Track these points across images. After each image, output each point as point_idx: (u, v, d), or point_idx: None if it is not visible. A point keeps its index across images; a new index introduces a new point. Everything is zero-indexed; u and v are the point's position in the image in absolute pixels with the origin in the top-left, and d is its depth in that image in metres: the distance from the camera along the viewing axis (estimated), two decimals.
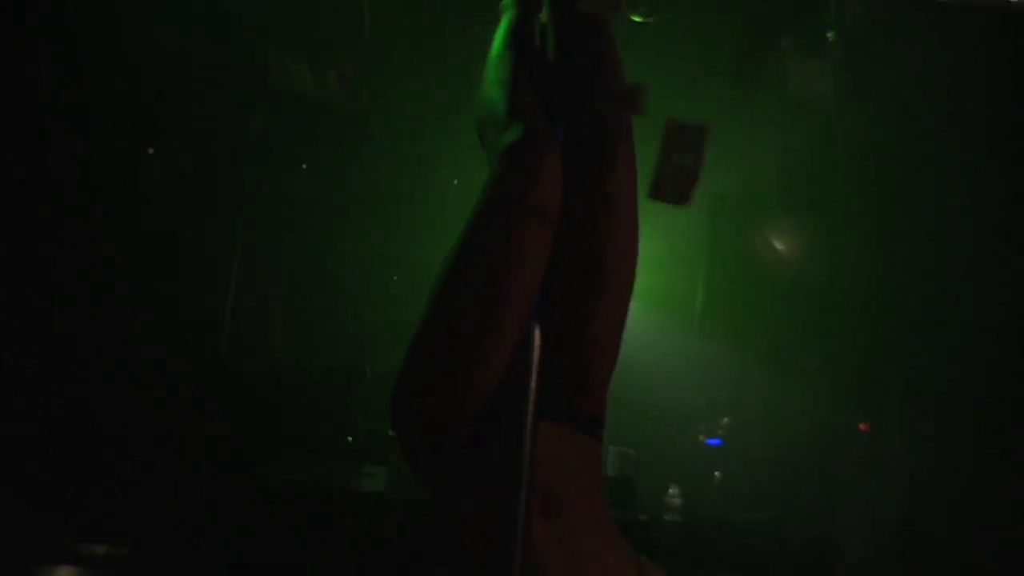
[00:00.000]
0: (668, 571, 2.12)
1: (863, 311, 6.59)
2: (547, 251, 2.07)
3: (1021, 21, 5.52)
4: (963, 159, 6.22)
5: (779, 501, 6.16)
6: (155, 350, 4.96)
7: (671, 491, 5.47)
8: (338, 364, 5.32)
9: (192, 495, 4.24)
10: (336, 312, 6.14)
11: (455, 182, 6.15)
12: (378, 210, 6.36)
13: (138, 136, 5.67)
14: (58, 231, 5.03)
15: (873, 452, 6.43)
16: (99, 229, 5.21)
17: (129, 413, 4.53)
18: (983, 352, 6.02)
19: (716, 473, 6.29)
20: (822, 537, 5.67)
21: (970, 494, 5.76)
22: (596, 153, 2.20)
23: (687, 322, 6.78)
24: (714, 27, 6.21)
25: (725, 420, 6.68)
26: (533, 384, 1.94)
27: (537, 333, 2.00)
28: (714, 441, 6.67)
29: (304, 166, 6.13)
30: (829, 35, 6.01)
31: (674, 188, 2.03)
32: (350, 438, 4.95)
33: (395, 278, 6.19)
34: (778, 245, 6.79)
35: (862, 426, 6.55)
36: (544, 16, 2.37)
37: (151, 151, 5.68)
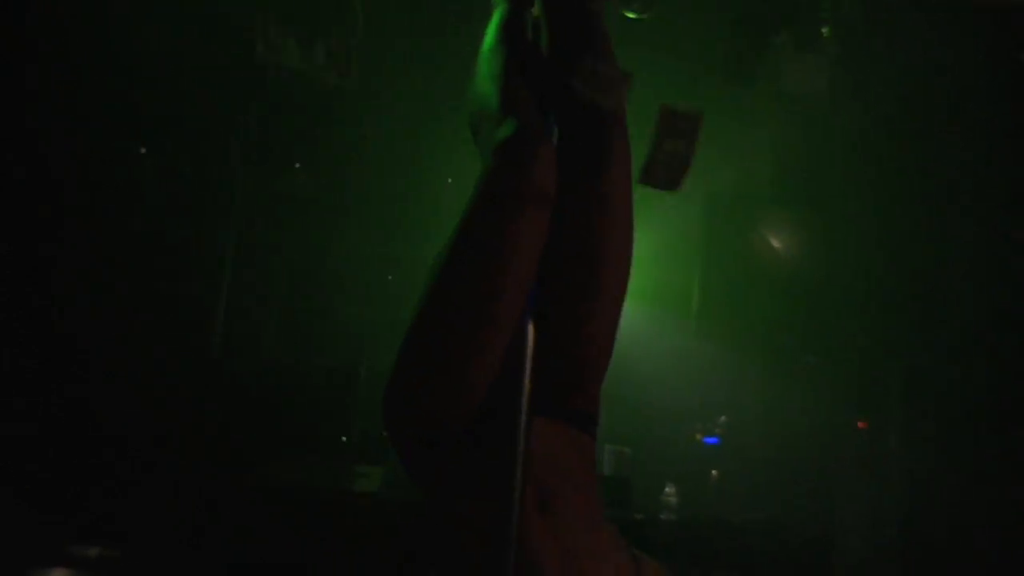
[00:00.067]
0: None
1: (861, 309, 6.58)
2: (541, 244, 2.05)
3: (1017, 15, 5.51)
4: (961, 156, 6.21)
5: (777, 500, 6.15)
6: (151, 350, 4.95)
7: (667, 490, 5.46)
8: (334, 364, 5.31)
9: (187, 495, 4.22)
10: (332, 312, 6.13)
11: (450, 181, 6.14)
12: (374, 210, 6.34)
13: (132, 136, 5.66)
14: (54, 231, 5.02)
15: (872, 451, 6.42)
16: (95, 229, 5.20)
17: (125, 413, 4.53)
18: (982, 350, 6.00)
19: (713, 472, 6.28)
20: (820, 537, 5.66)
21: (969, 493, 5.75)
22: (591, 151, 2.18)
23: (683, 320, 6.77)
24: (708, 23, 6.19)
25: (723, 419, 6.67)
26: (527, 380, 1.93)
27: (531, 328, 1.98)
28: (712, 440, 6.66)
29: (298, 165, 6.11)
30: (824, 31, 5.99)
31: (666, 175, 2.09)
32: (345, 438, 4.93)
33: (391, 277, 6.18)
34: (774, 243, 6.78)
35: (860, 424, 6.54)
36: (536, 10, 2.35)
37: (144, 151, 5.66)
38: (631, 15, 5.43)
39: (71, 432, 4.40)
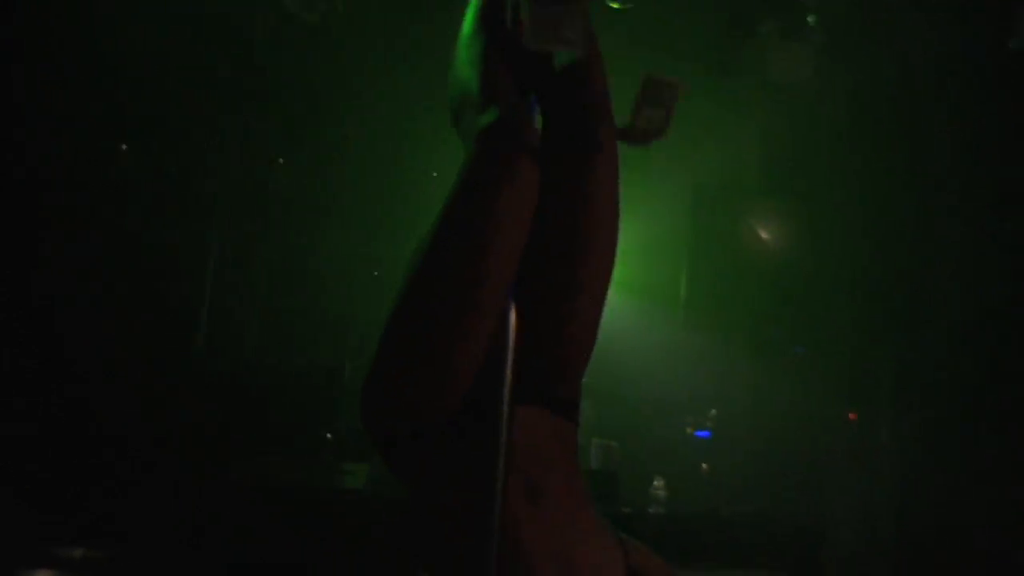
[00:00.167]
0: None
1: (850, 300, 6.58)
2: (526, 230, 2.00)
3: (1005, 2, 5.50)
4: (950, 145, 6.20)
5: (766, 493, 6.14)
6: (134, 349, 4.94)
7: (655, 483, 5.44)
8: (318, 362, 5.29)
9: (171, 494, 4.20)
10: (316, 310, 6.12)
11: (435, 175, 6.12)
12: (358, 207, 6.34)
13: (115, 134, 5.64)
14: (36, 230, 5.00)
15: (863, 443, 6.41)
16: (77, 227, 5.19)
17: (108, 412, 4.51)
18: (971, 341, 6.00)
19: (703, 465, 6.26)
20: (811, 529, 5.64)
21: (961, 484, 5.75)
22: (577, 147, 2.12)
23: (671, 312, 6.75)
24: (692, 13, 6.17)
25: (713, 412, 6.66)
26: (509, 370, 1.89)
27: (513, 317, 1.94)
28: (703, 433, 6.65)
29: (281, 160, 6.08)
30: (810, 19, 5.97)
31: (643, 138, 2.12)
32: (329, 435, 4.91)
33: (376, 274, 6.16)
34: (762, 233, 6.76)
35: (851, 416, 6.53)
36: None
37: (125, 147, 5.63)
38: (615, 5, 5.39)
39: (52, 431, 4.37)
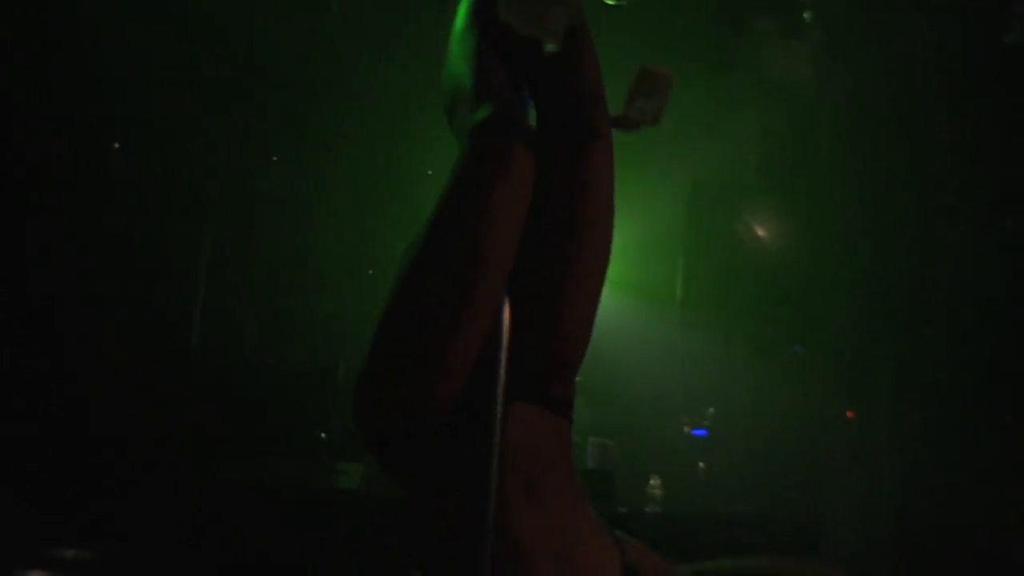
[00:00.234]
0: None
1: (848, 298, 6.55)
2: (520, 227, 2.01)
3: None
4: (949, 142, 6.18)
5: (765, 492, 6.12)
6: (128, 349, 4.93)
7: (652, 482, 5.42)
8: (313, 361, 5.27)
9: (164, 494, 4.18)
10: (311, 309, 6.10)
11: (430, 173, 6.10)
12: (352, 205, 6.32)
13: (107, 132, 5.63)
14: (29, 229, 4.98)
15: (862, 442, 6.40)
16: (69, 227, 5.18)
17: (102, 411, 4.49)
18: (971, 339, 5.99)
19: (700, 464, 6.24)
20: (810, 529, 5.62)
21: (960, 484, 5.74)
22: (571, 139, 2.13)
23: (668, 311, 6.72)
24: (689, 10, 6.15)
25: (711, 410, 6.64)
26: (503, 369, 1.90)
27: (507, 316, 1.94)
28: (700, 432, 6.63)
29: (275, 159, 6.07)
30: (806, 15, 5.95)
31: (635, 127, 2.15)
32: (324, 435, 4.89)
33: (371, 272, 6.14)
34: (760, 231, 6.74)
35: (848, 414, 6.51)
36: None
37: (117, 146, 5.62)
38: (610, 2, 5.36)
39: (45, 430, 4.36)
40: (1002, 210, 6.04)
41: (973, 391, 5.90)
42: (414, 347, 1.90)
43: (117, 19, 5.35)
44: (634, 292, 6.45)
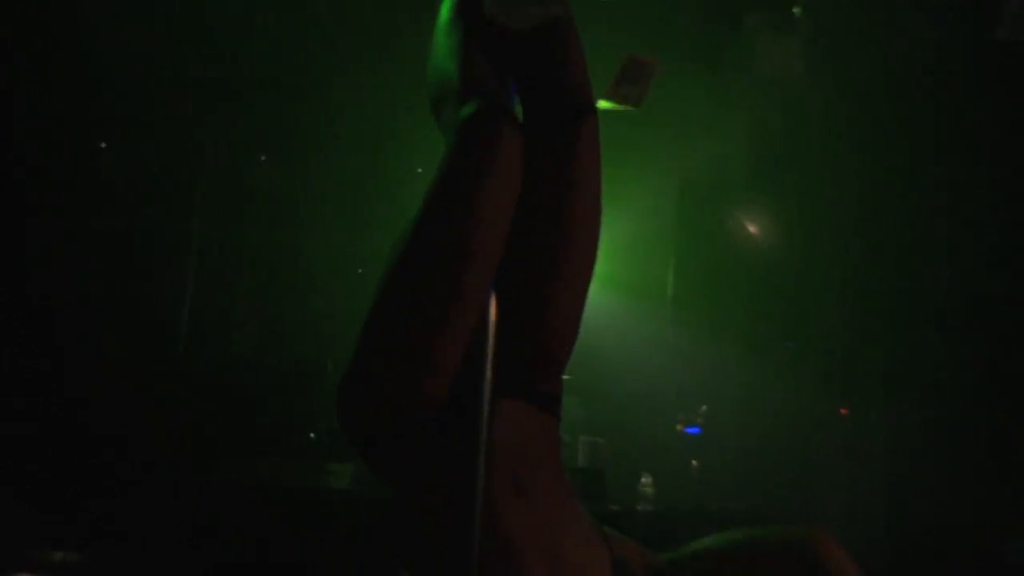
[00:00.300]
0: None
1: (840, 295, 6.55)
2: (508, 221, 2.00)
3: None
4: (940, 139, 6.18)
5: (758, 490, 6.12)
6: (116, 347, 4.92)
7: (643, 480, 5.40)
8: (301, 360, 5.26)
9: (153, 492, 4.17)
10: (300, 307, 6.09)
11: (420, 170, 6.09)
12: (341, 204, 6.30)
13: (96, 131, 5.62)
14: (19, 229, 4.98)
15: (854, 440, 6.39)
16: (58, 225, 5.18)
17: (93, 411, 4.49)
18: (963, 337, 5.99)
19: (693, 462, 6.23)
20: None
21: (951, 481, 5.75)
22: (559, 136, 2.11)
23: (659, 308, 6.71)
24: (680, 6, 6.13)
25: (703, 408, 6.63)
26: (489, 363, 1.89)
27: (493, 309, 1.93)
28: (693, 430, 6.62)
29: (263, 158, 6.05)
30: (796, 11, 5.94)
31: (615, 108, 2.19)
32: (313, 435, 4.87)
33: (361, 271, 6.12)
34: (751, 228, 6.73)
35: (843, 411, 6.51)
36: None
37: (104, 145, 5.60)
38: None
39: (34, 431, 4.35)
40: (994, 207, 6.04)
41: (965, 388, 5.90)
42: (401, 343, 1.88)
43: (106, 19, 5.35)
44: (625, 290, 6.43)
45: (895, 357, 6.35)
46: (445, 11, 2.27)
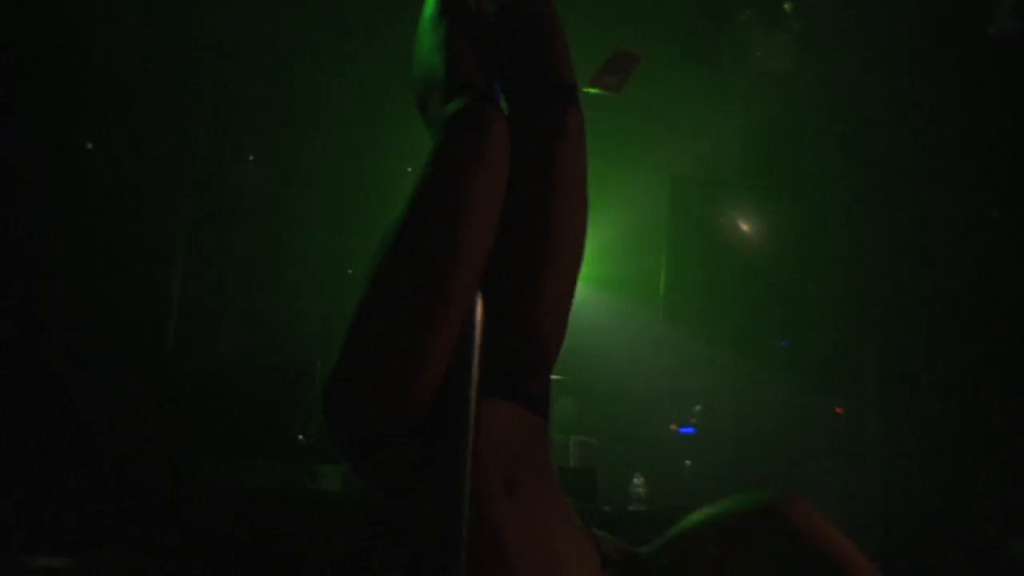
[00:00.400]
0: None
1: (833, 292, 6.53)
2: (496, 217, 1.97)
3: None
4: (933, 134, 6.18)
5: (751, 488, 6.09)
6: (104, 348, 4.90)
7: (635, 480, 5.38)
8: (290, 361, 5.23)
9: (143, 496, 4.15)
10: (290, 308, 6.07)
11: (409, 170, 6.07)
12: (330, 204, 6.29)
13: (81, 131, 5.61)
14: (5, 229, 4.96)
15: (848, 438, 6.39)
16: (42, 227, 5.16)
17: (79, 412, 4.46)
18: (956, 335, 5.99)
19: (687, 462, 6.22)
20: None
21: (946, 479, 5.74)
22: (545, 130, 2.09)
23: (651, 307, 6.68)
24: (671, 2, 6.11)
25: (697, 408, 6.62)
26: (475, 363, 1.85)
27: (480, 308, 1.89)
28: (687, 430, 6.61)
29: (251, 157, 6.04)
30: (786, 7, 5.94)
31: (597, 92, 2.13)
32: (301, 437, 4.85)
33: (351, 271, 6.10)
34: (743, 225, 6.71)
35: (838, 410, 6.51)
36: None
37: (90, 146, 5.59)
38: None
39: (19, 433, 4.32)
40: (987, 204, 6.04)
41: (960, 387, 5.90)
42: (388, 342, 1.85)
43: (92, 18, 5.34)
44: (617, 288, 6.41)
45: (890, 356, 6.35)
46: (430, 5, 2.26)
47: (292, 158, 6.26)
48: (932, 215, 6.25)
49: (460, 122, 1.99)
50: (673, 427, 6.63)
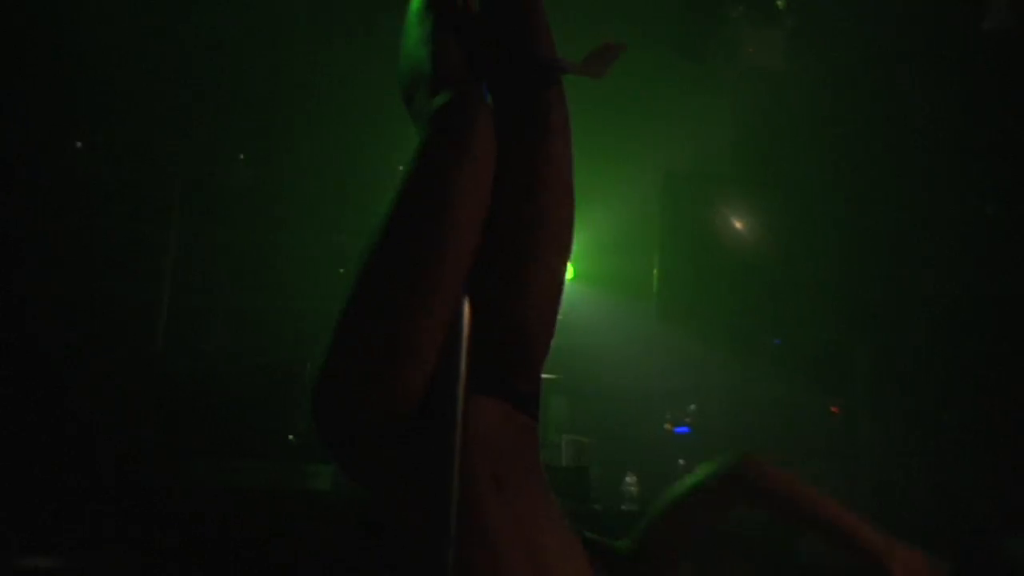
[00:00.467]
0: None
1: (827, 289, 6.52)
2: (484, 211, 1.97)
3: None
4: (927, 130, 6.18)
5: None
6: (92, 348, 4.89)
7: (628, 479, 5.37)
8: (279, 361, 5.22)
9: (133, 496, 4.13)
10: (280, 308, 6.06)
11: (400, 168, 6.04)
12: (320, 203, 6.29)
13: (69, 130, 5.61)
14: None
15: (843, 437, 6.39)
16: (31, 226, 5.16)
17: (69, 412, 4.44)
18: (951, 333, 5.99)
19: (680, 461, 6.20)
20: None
21: (941, 478, 5.74)
22: (529, 122, 2.10)
23: (644, 305, 6.66)
24: None
25: (692, 407, 6.61)
26: (463, 361, 1.86)
27: (467, 306, 1.90)
28: (682, 429, 6.60)
29: (241, 156, 6.03)
30: (779, 2, 5.93)
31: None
32: (292, 436, 4.84)
33: (341, 271, 6.09)
34: (735, 222, 6.70)
35: (833, 409, 6.50)
36: None
37: (80, 145, 5.58)
38: None
39: (8, 432, 4.31)
40: (982, 200, 6.04)
41: (955, 386, 5.90)
42: (375, 340, 1.84)
43: (82, 17, 5.33)
44: (609, 286, 6.40)
45: (884, 354, 6.34)
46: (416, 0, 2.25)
47: (282, 157, 6.25)
48: (925, 212, 6.26)
49: (446, 116, 1.99)
50: (668, 427, 6.62)
